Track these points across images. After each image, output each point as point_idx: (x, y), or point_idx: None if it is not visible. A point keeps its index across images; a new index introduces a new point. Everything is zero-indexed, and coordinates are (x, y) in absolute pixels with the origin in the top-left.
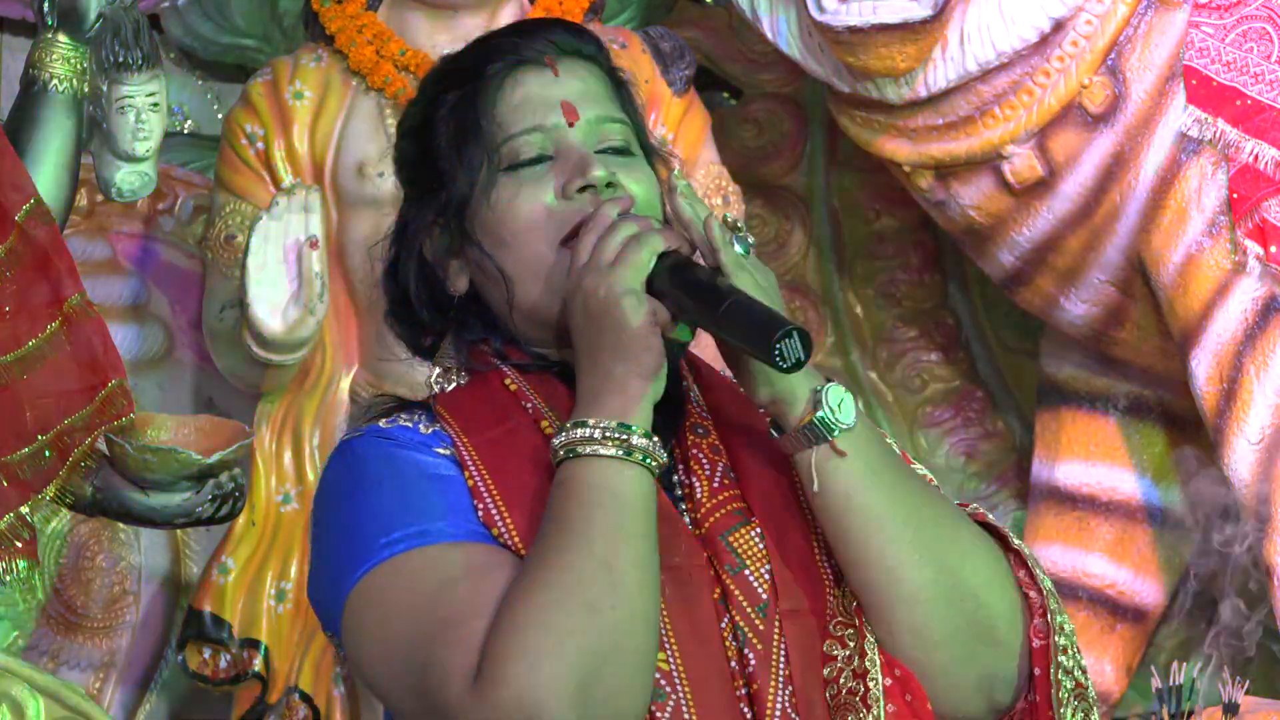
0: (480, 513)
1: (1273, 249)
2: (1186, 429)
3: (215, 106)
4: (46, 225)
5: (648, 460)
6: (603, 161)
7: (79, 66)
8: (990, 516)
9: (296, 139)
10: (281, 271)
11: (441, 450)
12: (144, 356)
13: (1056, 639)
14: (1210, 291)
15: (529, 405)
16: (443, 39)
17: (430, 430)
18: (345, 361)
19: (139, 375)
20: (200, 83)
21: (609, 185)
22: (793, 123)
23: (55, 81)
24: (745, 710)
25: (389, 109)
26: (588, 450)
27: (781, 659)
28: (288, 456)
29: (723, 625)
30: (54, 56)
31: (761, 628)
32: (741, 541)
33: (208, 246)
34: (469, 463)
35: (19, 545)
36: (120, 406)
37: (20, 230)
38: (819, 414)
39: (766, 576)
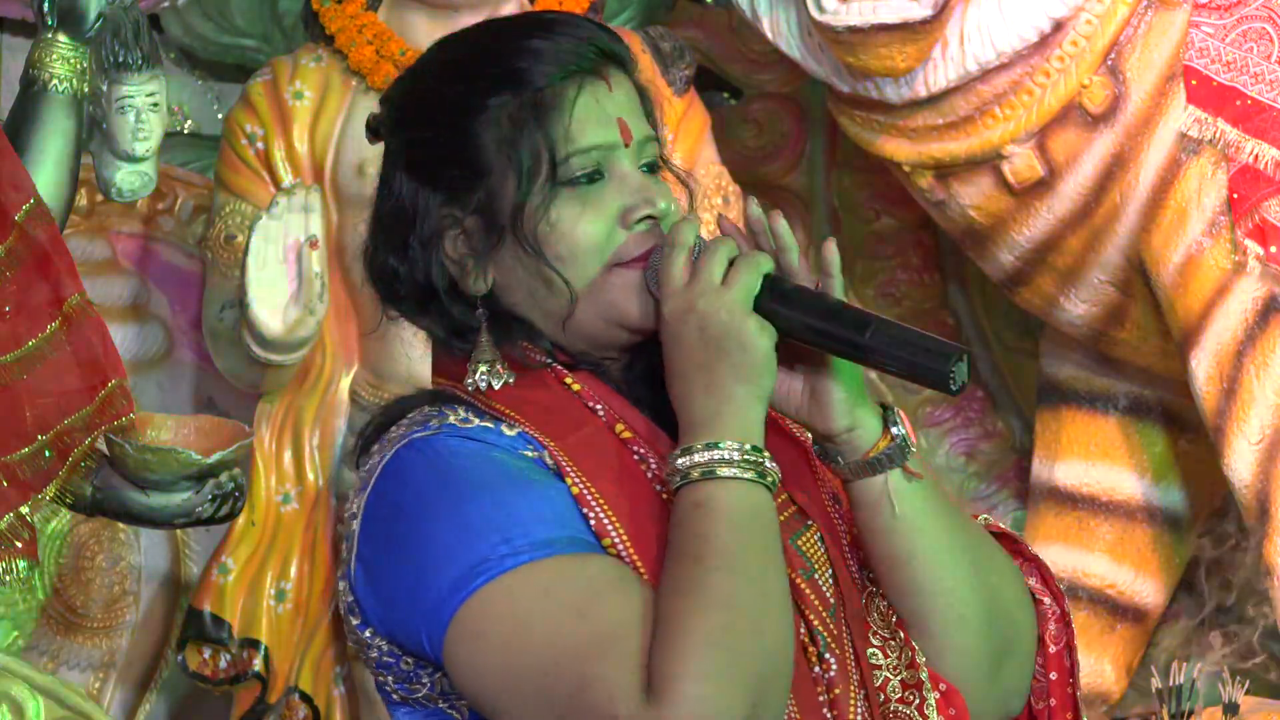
0: (592, 522)
1: (1273, 249)
2: (1186, 429)
3: (215, 106)
4: (46, 225)
5: (774, 485)
6: (657, 189)
7: (79, 66)
8: (1002, 525)
9: (296, 139)
10: (281, 271)
11: (529, 453)
12: (144, 356)
13: (1075, 643)
14: (1210, 291)
15: (599, 408)
16: None
17: (514, 433)
18: (345, 361)
19: (139, 375)
20: (200, 83)
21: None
22: (793, 123)
23: (55, 81)
24: (828, 714)
25: None
26: (728, 473)
27: (853, 664)
28: (288, 456)
29: (801, 631)
30: (54, 56)
31: (835, 631)
32: (808, 545)
33: (208, 246)
34: (569, 470)
35: (19, 545)
36: (120, 406)
37: (20, 230)
38: (898, 435)
39: (831, 580)
